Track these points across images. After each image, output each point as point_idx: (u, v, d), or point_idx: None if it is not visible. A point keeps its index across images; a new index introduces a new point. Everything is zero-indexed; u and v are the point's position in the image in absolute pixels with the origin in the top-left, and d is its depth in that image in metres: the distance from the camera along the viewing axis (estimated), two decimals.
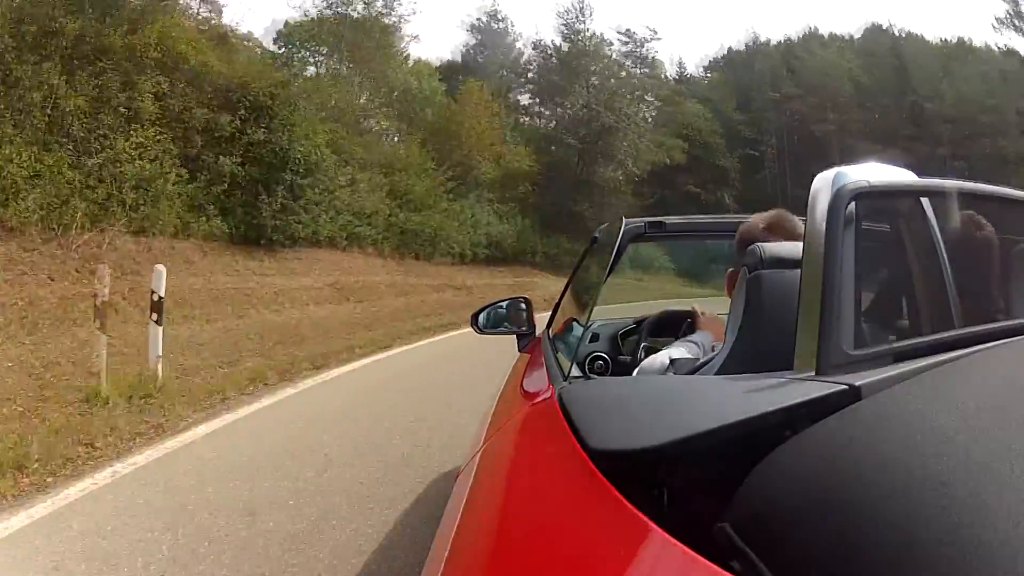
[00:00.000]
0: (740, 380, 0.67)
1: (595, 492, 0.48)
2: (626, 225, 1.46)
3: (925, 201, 0.66)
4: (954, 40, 31.31)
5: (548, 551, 0.50)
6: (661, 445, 0.44)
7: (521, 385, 1.37)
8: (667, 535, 0.39)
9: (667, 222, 1.64)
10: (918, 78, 29.15)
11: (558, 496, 0.59)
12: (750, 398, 0.50)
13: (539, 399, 1.01)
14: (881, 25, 32.50)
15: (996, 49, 28.88)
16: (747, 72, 31.81)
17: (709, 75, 32.48)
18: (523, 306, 2.12)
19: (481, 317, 2.17)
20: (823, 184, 0.57)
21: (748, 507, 0.37)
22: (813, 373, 0.48)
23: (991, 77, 27.03)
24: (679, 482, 0.44)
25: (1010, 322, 0.65)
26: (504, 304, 2.18)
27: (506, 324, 2.14)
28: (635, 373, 1.28)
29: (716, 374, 0.86)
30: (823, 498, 0.34)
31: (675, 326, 1.68)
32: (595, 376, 1.68)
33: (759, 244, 0.90)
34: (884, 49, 30.58)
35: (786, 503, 0.36)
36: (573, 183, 20.82)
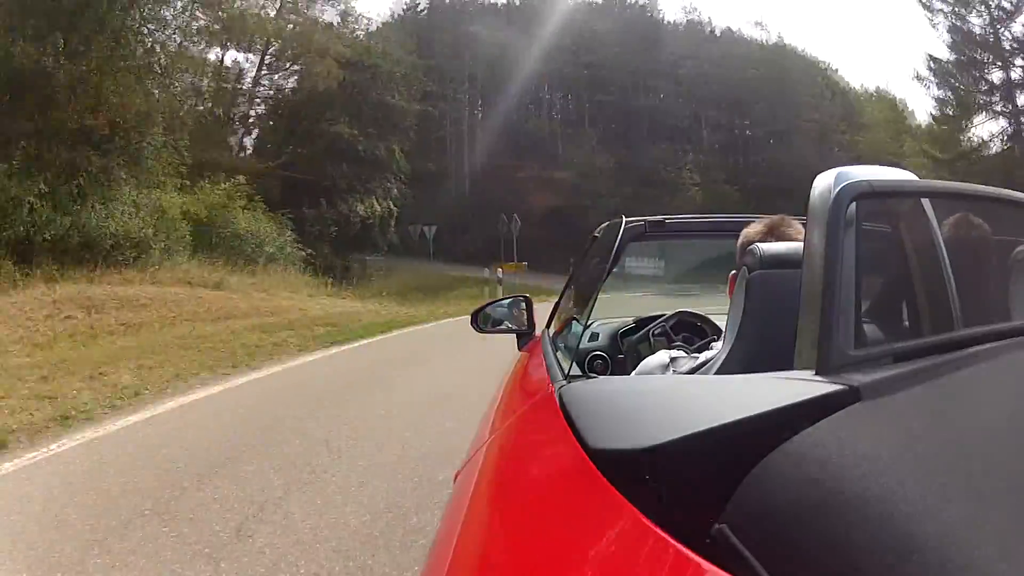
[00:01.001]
0: (739, 380, 0.67)
1: (594, 492, 0.48)
2: (626, 224, 1.46)
3: (926, 202, 0.66)
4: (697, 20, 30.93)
5: (547, 551, 0.50)
6: (660, 445, 0.44)
7: (521, 384, 1.37)
8: (666, 535, 0.39)
9: (668, 221, 1.64)
10: (662, 54, 27.92)
11: (557, 495, 0.59)
12: (749, 398, 0.50)
13: (538, 398, 1.01)
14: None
15: (757, 40, 30.07)
16: (431, 22, 26.86)
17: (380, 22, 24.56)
18: (523, 305, 2.12)
19: (480, 316, 2.17)
20: (824, 185, 0.57)
21: (746, 508, 0.37)
22: (813, 373, 0.48)
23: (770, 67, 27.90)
24: (678, 482, 0.44)
25: (1010, 323, 0.65)
26: (504, 303, 2.18)
27: (506, 323, 2.14)
28: (634, 372, 1.28)
29: (716, 374, 0.86)
30: (822, 499, 0.34)
31: (692, 329, 1.69)
32: (595, 375, 1.68)
33: (758, 245, 0.90)
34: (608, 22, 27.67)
35: (785, 504, 0.36)
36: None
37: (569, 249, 24.97)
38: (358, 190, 17.89)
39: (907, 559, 0.28)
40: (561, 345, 1.63)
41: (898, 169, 0.72)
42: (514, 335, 2.11)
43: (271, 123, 17.07)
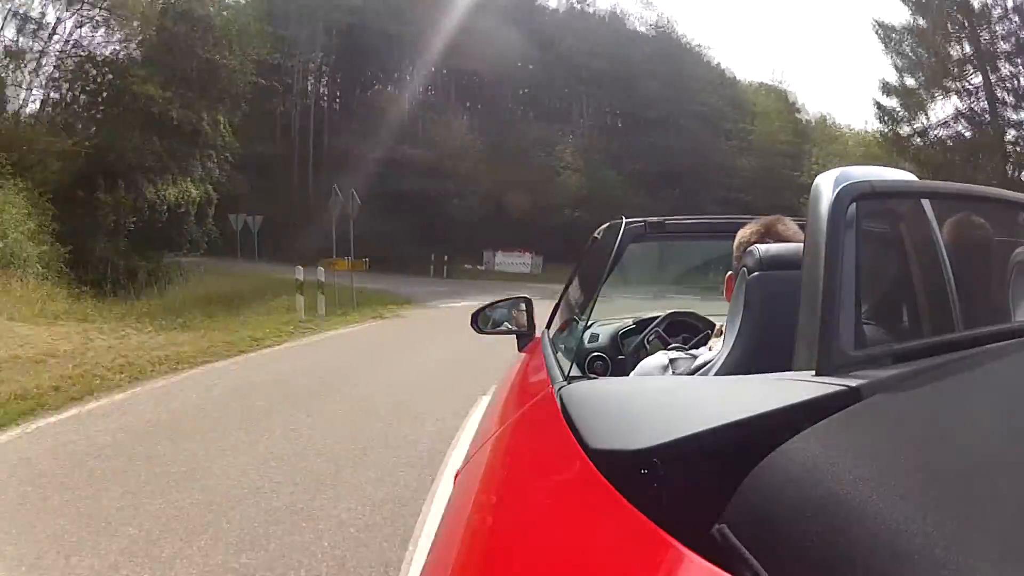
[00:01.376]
0: (739, 380, 0.67)
1: (595, 492, 0.48)
2: (626, 225, 1.46)
3: (926, 203, 0.66)
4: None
5: (548, 551, 0.50)
6: (660, 445, 0.44)
7: (521, 384, 1.37)
8: (666, 535, 0.39)
9: (667, 222, 1.64)
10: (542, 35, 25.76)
11: (558, 496, 0.59)
12: (749, 399, 0.50)
13: (539, 399, 1.01)
14: None
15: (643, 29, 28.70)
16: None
17: None
18: (523, 306, 2.12)
19: (480, 317, 2.17)
20: (825, 186, 0.57)
21: (746, 508, 0.37)
22: (813, 374, 0.48)
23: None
24: (678, 482, 0.44)
25: (1010, 324, 0.65)
26: (504, 304, 2.18)
27: (506, 324, 2.15)
28: (633, 373, 1.28)
29: (716, 375, 0.86)
30: (821, 499, 0.34)
31: (687, 328, 1.69)
32: (595, 376, 1.68)
33: (757, 246, 0.90)
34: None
35: (784, 504, 0.36)
36: None
37: (429, 243, 21.30)
38: (152, 168, 12.57)
39: (906, 559, 0.28)
40: (561, 346, 1.63)
41: (898, 170, 0.72)
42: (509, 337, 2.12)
43: (73, 87, 12.59)
